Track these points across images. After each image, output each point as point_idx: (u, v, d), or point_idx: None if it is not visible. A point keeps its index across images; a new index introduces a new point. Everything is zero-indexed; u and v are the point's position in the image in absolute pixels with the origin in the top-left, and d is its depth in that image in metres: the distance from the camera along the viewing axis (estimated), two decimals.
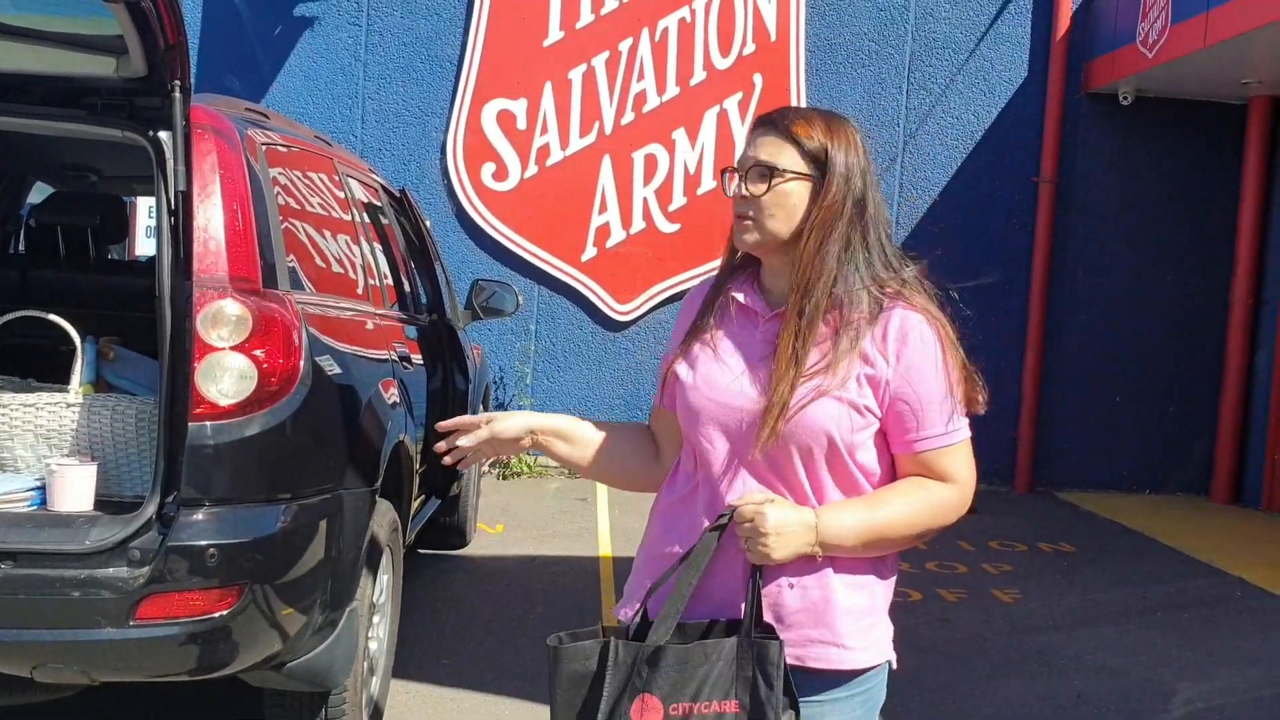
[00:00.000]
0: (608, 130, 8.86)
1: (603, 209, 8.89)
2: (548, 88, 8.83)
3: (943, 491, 1.86)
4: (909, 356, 1.82)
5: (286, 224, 3.46)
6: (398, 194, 5.57)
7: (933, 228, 9.08)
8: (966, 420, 1.89)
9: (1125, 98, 8.88)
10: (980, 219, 9.13)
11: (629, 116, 8.87)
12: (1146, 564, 6.93)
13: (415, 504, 4.65)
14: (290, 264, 3.38)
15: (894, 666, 1.93)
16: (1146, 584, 6.45)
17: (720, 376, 1.89)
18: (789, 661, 1.77)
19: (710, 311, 1.96)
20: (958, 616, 5.59)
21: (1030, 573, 6.58)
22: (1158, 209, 9.21)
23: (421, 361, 4.73)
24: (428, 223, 6.01)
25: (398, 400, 3.98)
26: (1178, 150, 9.17)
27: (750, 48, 8.88)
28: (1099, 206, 9.20)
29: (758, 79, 8.89)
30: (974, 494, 1.91)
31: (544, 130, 8.85)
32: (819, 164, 1.85)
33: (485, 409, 6.83)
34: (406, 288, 5.12)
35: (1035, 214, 9.09)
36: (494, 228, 8.88)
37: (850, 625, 1.84)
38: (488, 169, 8.85)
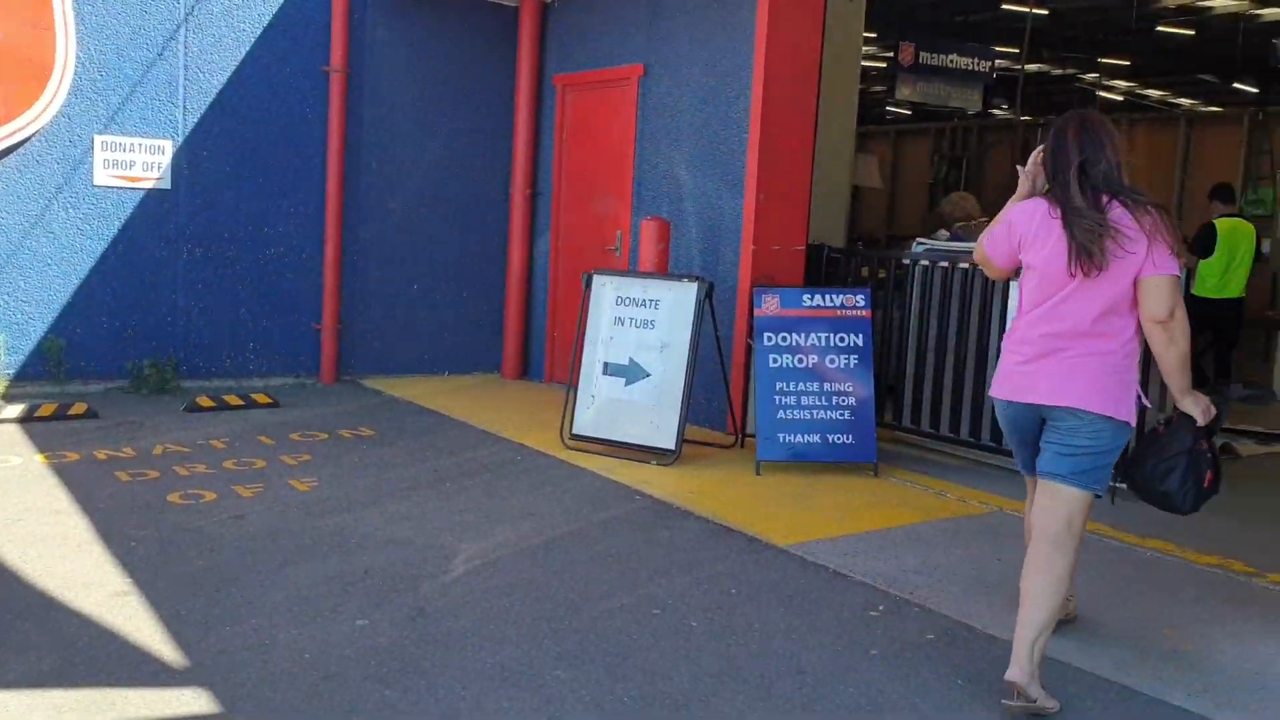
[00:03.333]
0: None
1: None
2: None
3: None
4: None
5: None
6: None
7: (224, 113, 8.62)
8: None
9: None
10: (275, 106, 8.83)
11: None
12: (440, 440, 7.33)
13: None
14: None
15: None
16: (438, 458, 6.81)
17: None
18: None
19: None
20: (253, 511, 5.45)
21: (329, 460, 6.63)
22: (447, 105, 9.58)
23: None
24: None
25: None
26: (463, 47, 9.59)
27: None
28: (392, 100, 9.34)
29: None
30: None
31: None
32: None
33: None
34: None
35: (329, 104, 9.00)
36: None
37: None
38: None
